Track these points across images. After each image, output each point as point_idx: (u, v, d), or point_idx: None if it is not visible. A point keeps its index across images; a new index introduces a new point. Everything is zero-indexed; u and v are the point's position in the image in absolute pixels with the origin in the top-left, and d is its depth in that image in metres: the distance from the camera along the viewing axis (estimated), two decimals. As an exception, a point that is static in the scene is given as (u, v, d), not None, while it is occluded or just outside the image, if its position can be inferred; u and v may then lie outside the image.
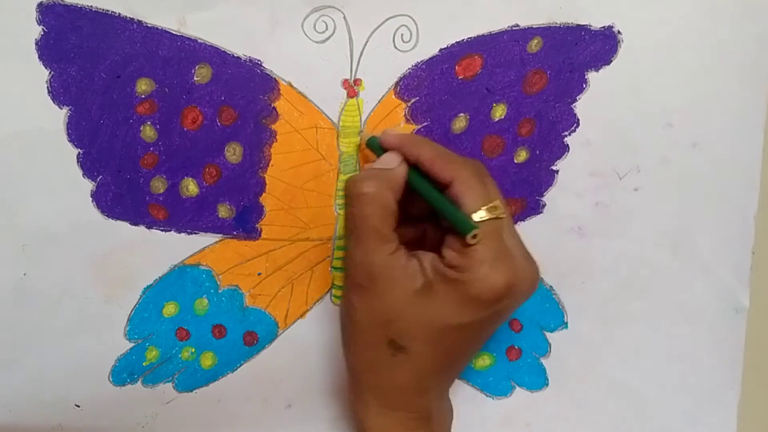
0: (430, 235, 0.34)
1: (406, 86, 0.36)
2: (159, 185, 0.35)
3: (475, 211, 0.29)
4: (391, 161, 0.32)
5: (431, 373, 0.32)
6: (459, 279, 0.29)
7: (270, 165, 0.36)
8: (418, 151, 0.32)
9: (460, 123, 0.36)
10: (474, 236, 0.29)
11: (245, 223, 0.37)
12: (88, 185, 0.35)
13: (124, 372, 0.37)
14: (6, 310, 0.35)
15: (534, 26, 0.35)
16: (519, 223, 0.38)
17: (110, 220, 0.35)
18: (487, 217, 0.29)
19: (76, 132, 0.34)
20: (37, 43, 0.33)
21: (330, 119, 0.36)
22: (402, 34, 0.35)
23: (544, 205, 0.38)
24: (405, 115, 0.36)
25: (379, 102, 0.36)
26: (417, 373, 0.32)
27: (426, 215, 0.34)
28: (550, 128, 0.37)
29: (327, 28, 0.35)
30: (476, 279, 0.29)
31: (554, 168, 0.37)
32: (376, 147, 0.34)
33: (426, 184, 0.31)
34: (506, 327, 0.39)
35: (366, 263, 0.31)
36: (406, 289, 0.30)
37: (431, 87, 0.36)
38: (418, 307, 0.30)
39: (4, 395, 0.36)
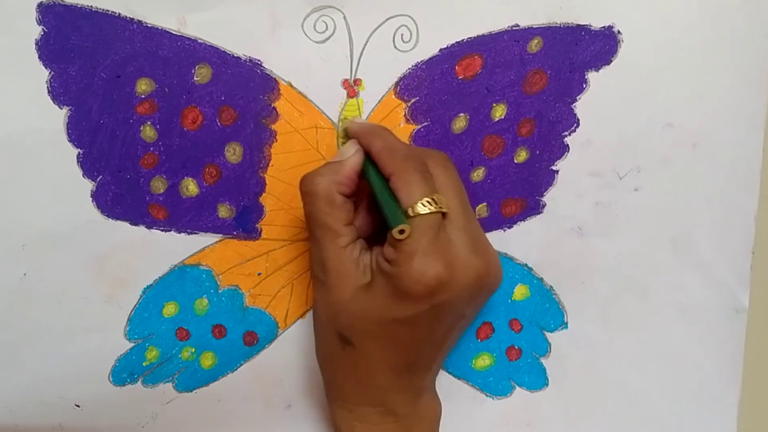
0: None
1: (406, 86, 0.36)
2: (159, 185, 0.35)
3: (409, 206, 0.29)
4: (347, 151, 0.32)
5: (381, 369, 0.32)
6: (391, 272, 0.29)
7: (270, 165, 0.36)
8: (369, 142, 0.32)
9: (460, 123, 0.36)
10: (401, 231, 0.29)
11: (245, 223, 0.37)
12: (88, 185, 0.35)
13: (124, 372, 0.37)
14: (6, 310, 0.35)
15: (534, 26, 0.35)
16: (519, 223, 0.38)
17: (110, 220, 0.35)
18: (423, 212, 0.29)
19: (76, 132, 0.34)
20: (37, 43, 0.33)
21: (330, 119, 0.36)
22: (402, 34, 0.35)
23: (544, 205, 0.38)
24: (405, 115, 0.36)
25: (379, 102, 0.36)
26: (366, 367, 0.32)
27: None
28: (550, 128, 0.37)
29: (327, 28, 0.35)
30: (405, 272, 0.29)
31: (554, 168, 0.37)
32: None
33: (375, 177, 0.31)
34: (506, 327, 0.39)
35: (320, 257, 0.32)
36: (355, 283, 0.31)
37: (431, 87, 0.36)
38: (361, 301, 0.31)
39: (4, 395, 0.36)
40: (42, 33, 0.33)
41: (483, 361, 0.40)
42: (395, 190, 0.30)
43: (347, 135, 0.34)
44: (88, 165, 0.35)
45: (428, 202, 0.29)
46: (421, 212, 0.29)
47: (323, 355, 0.34)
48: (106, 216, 0.35)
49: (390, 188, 0.30)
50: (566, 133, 0.37)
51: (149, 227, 0.36)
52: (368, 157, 0.32)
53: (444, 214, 0.30)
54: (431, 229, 0.29)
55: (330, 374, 0.34)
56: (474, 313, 0.33)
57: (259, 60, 0.35)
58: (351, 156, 0.32)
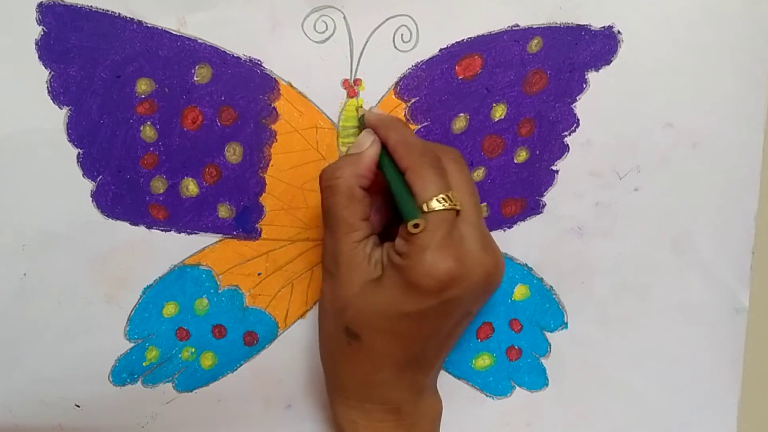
0: None
1: (406, 86, 0.36)
2: (159, 185, 0.35)
3: (424, 202, 0.29)
4: (364, 142, 0.32)
5: (387, 364, 0.32)
6: (401, 265, 0.30)
7: (270, 165, 0.36)
8: (386, 134, 0.32)
9: (460, 123, 0.36)
10: (416, 225, 0.29)
11: (245, 223, 0.37)
12: (88, 185, 0.35)
13: (124, 372, 0.37)
14: (6, 310, 0.35)
15: (534, 26, 0.35)
16: (519, 223, 0.38)
17: (110, 220, 0.35)
18: (437, 208, 0.29)
19: (76, 132, 0.34)
20: (37, 43, 0.33)
21: (330, 119, 0.36)
22: (402, 34, 0.35)
23: (544, 205, 0.38)
24: (405, 115, 0.36)
25: (379, 102, 0.36)
26: (371, 362, 0.32)
27: None
28: (550, 128, 0.37)
29: (327, 28, 0.35)
30: (416, 265, 0.29)
31: (554, 168, 0.37)
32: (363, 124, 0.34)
33: (390, 169, 0.31)
34: (506, 327, 0.39)
35: (334, 251, 0.32)
36: (365, 277, 0.31)
37: (431, 87, 0.36)
38: (370, 295, 0.31)
39: (4, 395, 0.36)
40: (42, 33, 0.33)
41: (483, 361, 0.40)
42: (410, 185, 0.30)
43: (362, 124, 0.34)
44: (88, 165, 0.35)
45: (443, 198, 0.30)
46: (436, 209, 0.29)
47: (327, 350, 0.34)
48: (106, 216, 0.35)
49: (405, 181, 0.30)
50: (566, 133, 0.37)
51: (149, 227, 0.36)
52: (384, 149, 0.32)
53: (457, 212, 0.30)
54: (445, 224, 0.29)
55: (333, 370, 0.34)
56: (477, 310, 0.34)
57: (259, 60, 0.35)
58: (369, 147, 0.32)
